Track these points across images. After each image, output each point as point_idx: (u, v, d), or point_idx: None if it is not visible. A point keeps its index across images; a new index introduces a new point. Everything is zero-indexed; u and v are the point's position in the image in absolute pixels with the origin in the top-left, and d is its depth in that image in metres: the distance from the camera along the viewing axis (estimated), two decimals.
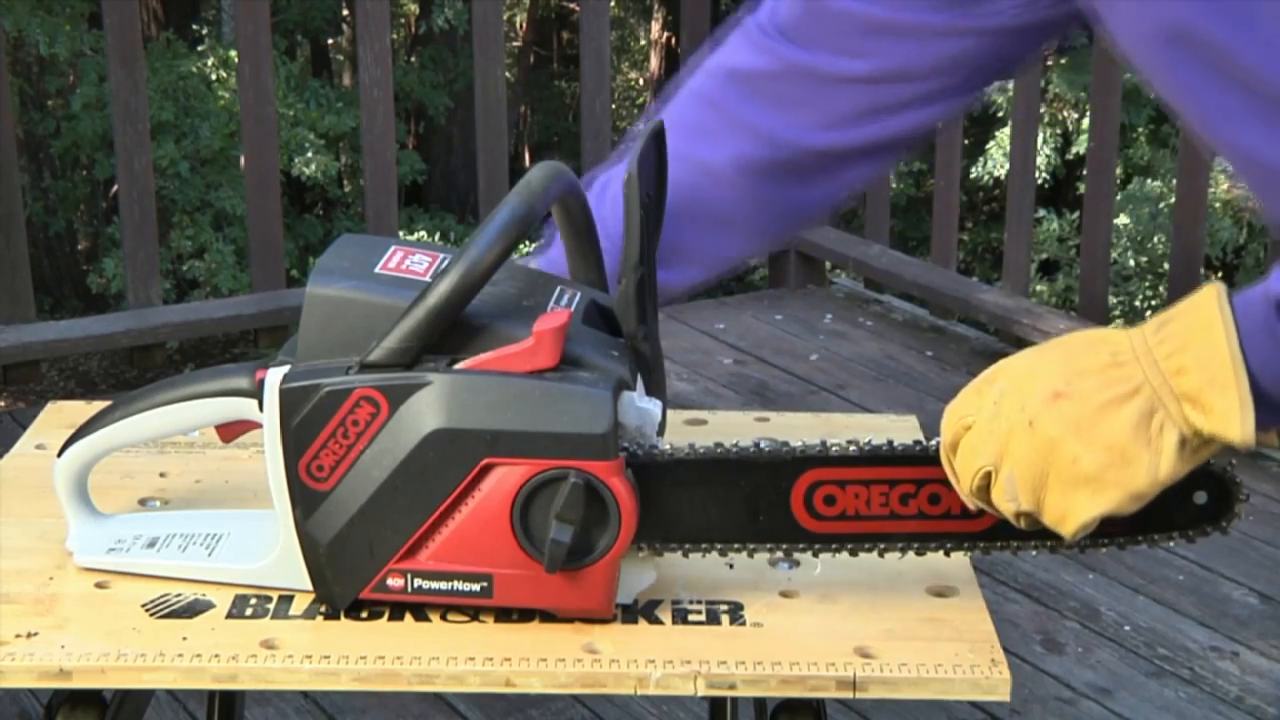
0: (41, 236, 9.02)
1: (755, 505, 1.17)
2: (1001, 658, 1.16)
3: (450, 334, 1.16)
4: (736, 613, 1.21)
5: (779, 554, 1.20)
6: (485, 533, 1.16)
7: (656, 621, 1.20)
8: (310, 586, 1.21)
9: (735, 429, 1.52)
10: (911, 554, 1.17)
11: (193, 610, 1.21)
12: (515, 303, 1.20)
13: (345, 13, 10.36)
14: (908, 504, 1.15)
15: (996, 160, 8.80)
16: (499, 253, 1.16)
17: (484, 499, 1.15)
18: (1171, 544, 1.14)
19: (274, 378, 1.17)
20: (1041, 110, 6.22)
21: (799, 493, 1.16)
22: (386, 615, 1.21)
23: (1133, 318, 9.03)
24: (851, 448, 1.15)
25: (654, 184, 1.25)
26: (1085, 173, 4.31)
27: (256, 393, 1.20)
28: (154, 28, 9.57)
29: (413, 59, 11.07)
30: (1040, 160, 8.20)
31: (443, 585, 1.18)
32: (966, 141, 4.42)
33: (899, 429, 1.53)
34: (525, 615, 1.21)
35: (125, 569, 1.27)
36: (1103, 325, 3.77)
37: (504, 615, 1.21)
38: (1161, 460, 1.04)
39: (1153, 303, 8.66)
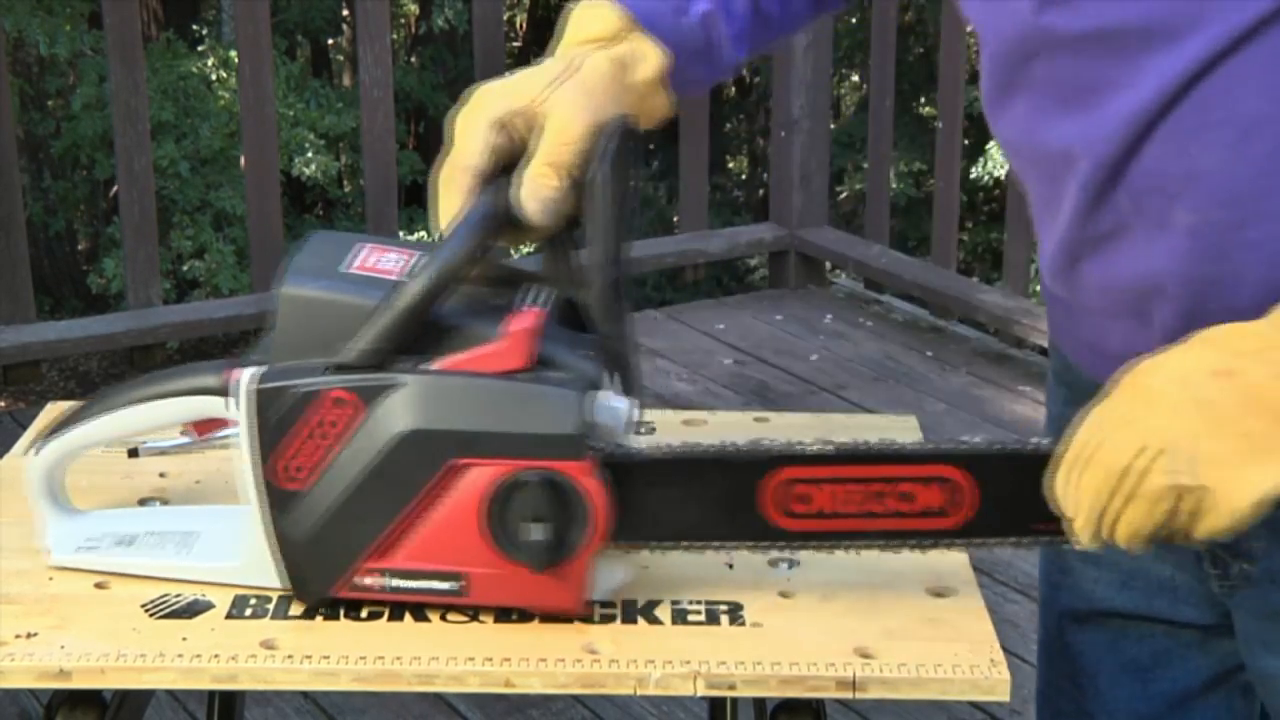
0: (41, 236, 9.02)
1: (729, 503, 1.17)
2: (1001, 658, 1.16)
3: (422, 334, 1.17)
4: (736, 613, 1.21)
5: (757, 552, 1.19)
6: (458, 532, 1.16)
7: (656, 621, 1.20)
8: (284, 585, 1.22)
9: (735, 429, 1.52)
10: (889, 551, 1.18)
11: (192, 610, 1.22)
12: (485, 302, 1.21)
13: (345, 13, 10.36)
14: (882, 501, 1.15)
15: (996, 160, 8.80)
16: (470, 253, 1.17)
17: (456, 498, 1.16)
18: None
19: (247, 378, 1.18)
20: None
21: (773, 491, 1.16)
22: (386, 615, 1.21)
23: None
24: (825, 446, 1.15)
25: (627, 177, 1.25)
26: None
27: (225, 391, 1.20)
28: (154, 28, 9.57)
29: (413, 59, 11.07)
30: None
31: (417, 584, 1.19)
32: (966, 142, 4.42)
33: (899, 429, 1.53)
34: (525, 615, 1.21)
35: (98, 567, 1.27)
36: None
37: (504, 615, 1.21)
38: None
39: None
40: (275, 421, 1.17)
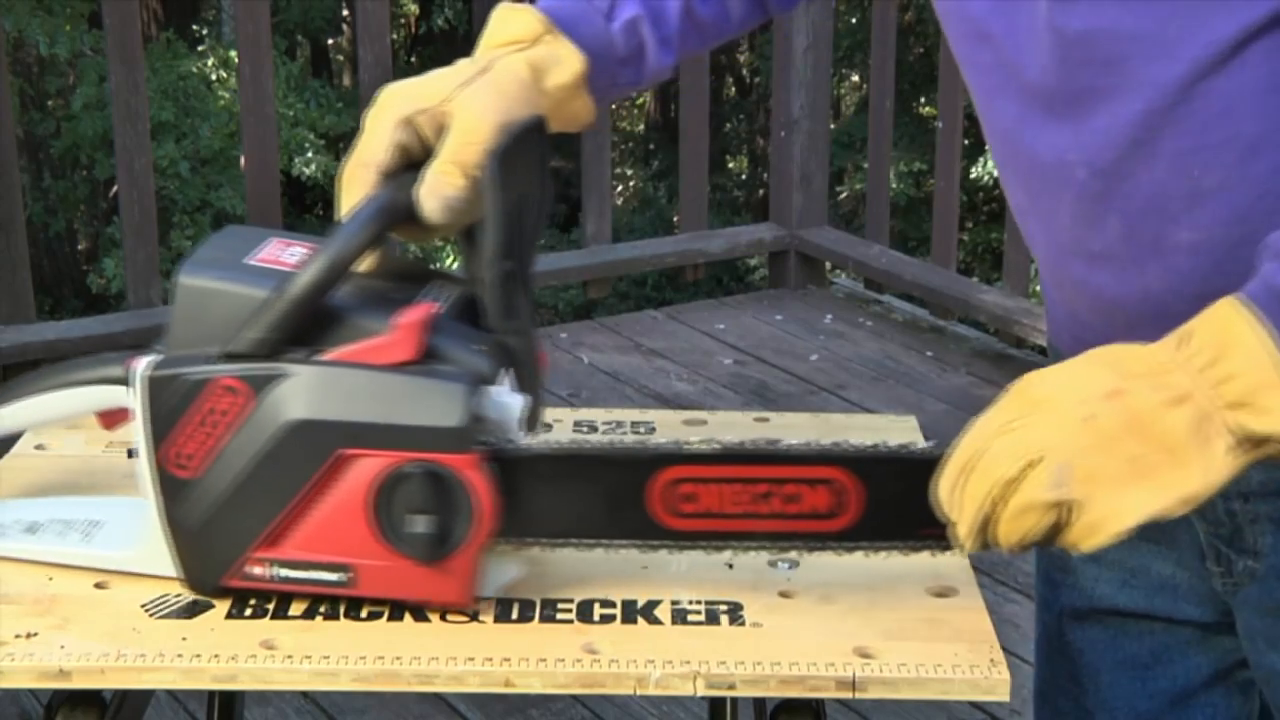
0: (41, 236, 9.02)
1: (616, 502, 1.17)
2: (1001, 658, 1.16)
3: (315, 325, 1.18)
4: (736, 613, 1.21)
5: (646, 552, 1.19)
6: (345, 523, 1.17)
7: (656, 621, 1.20)
8: (179, 574, 1.23)
9: (735, 429, 1.52)
10: (775, 553, 1.17)
11: (192, 610, 1.22)
12: (383, 296, 1.22)
13: (345, 13, 10.36)
14: (768, 502, 1.15)
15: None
16: (361, 244, 1.18)
17: (344, 489, 1.17)
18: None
19: (142, 366, 1.19)
20: None
21: (658, 490, 1.16)
22: (386, 615, 1.21)
23: None
24: (711, 445, 1.15)
25: (536, 176, 1.26)
26: None
27: (127, 380, 1.21)
28: (154, 28, 9.57)
29: (413, 59, 11.07)
30: None
31: (305, 575, 1.20)
32: (966, 141, 4.42)
33: (899, 429, 1.54)
34: (525, 615, 1.21)
35: (2, 553, 1.28)
36: None
37: (504, 615, 1.21)
38: (1214, 464, 1.01)
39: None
40: (167, 409, 1.18)
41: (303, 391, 1.16)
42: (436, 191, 1.19)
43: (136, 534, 1.25)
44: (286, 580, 1.20)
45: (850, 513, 1.15)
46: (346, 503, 1.17)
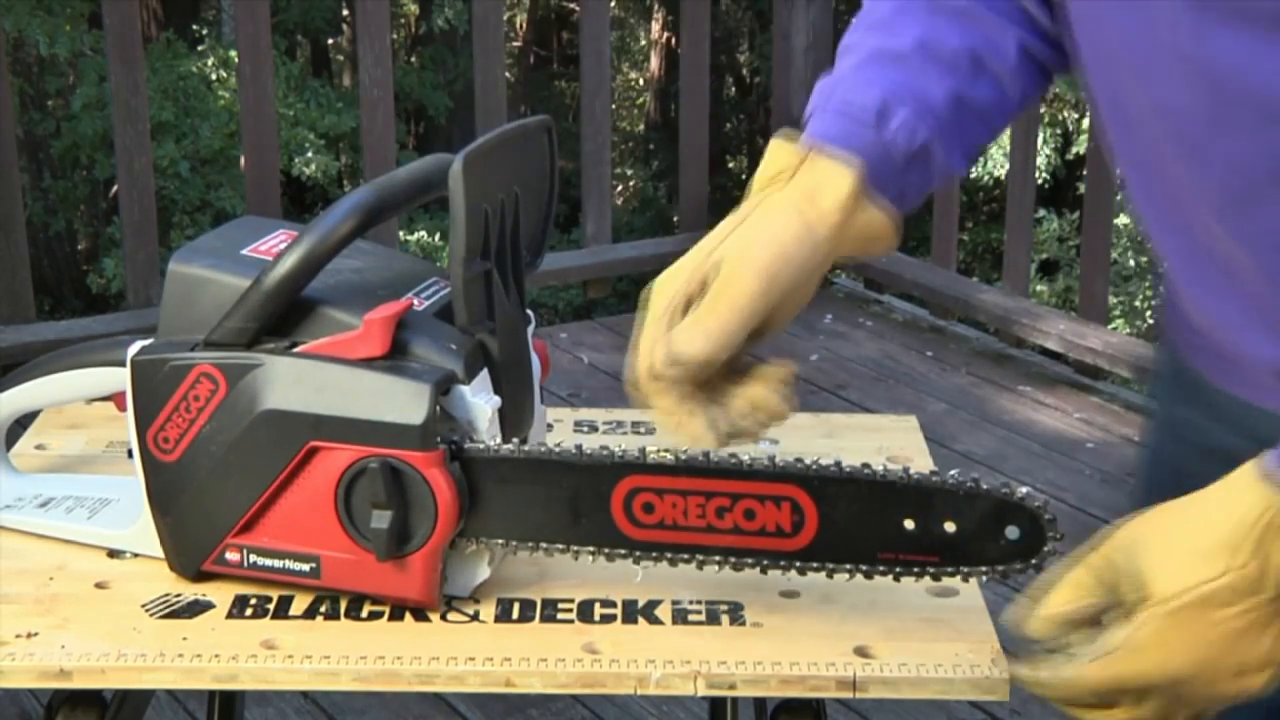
0: (41, 236, 9.02)
1: (577, 508, 1.17)
2: (1002, 658, 1.16)
3: (296, 317, 1.19)
4: (736, 613, 1.21)
5: (615, 560, 1.18)
6: (312, 514, 1.18)
7: (656, 621, 1.20)
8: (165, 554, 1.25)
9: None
10: (730, 569, 1.16)
11: (193, 610, 1.22)
12: (369, 291, 1.23)
13: (345, 13, 10.36)
14: (723, 517, 1.14)
15: (996, 160, 8.79)
16: (340, 238, 1.19)
17: (311, 481, 1.18)
18: (983, 579, 1.13)
19: (134, 350, 1.21)
20: (1041, 110, 6.22)
21: (619, 498, 1.16)
22: (387, 615, 1.21)
23: (1132, 318, 9.03)
24: (668, 456, 1.14)
25: (535, 175, 1.26)
26: (1085, 172, 4.31)
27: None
28: (154, 28, 9.57)
29: (413, 59, 11.07)
30: (1040, 160, 8.19)
31: (276, 563, 1.21)
32: None
33: (900, 429, 1.54)
34: (525, 615, 1.21)
35: (8, 524, 1.32)
36: (1102, 325, 3.76)
37: (504, 615, 1.21)
38: None
39: (1153, 302, 8.65)
40: (152, 392, 1.20)
41: (275, 382, 1.17)
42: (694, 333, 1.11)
43: (136, 514, 1.26)
44: (260, 568, 1.21)
45: (807, 532, 1.14)
46: (316, 494, 1.18)
